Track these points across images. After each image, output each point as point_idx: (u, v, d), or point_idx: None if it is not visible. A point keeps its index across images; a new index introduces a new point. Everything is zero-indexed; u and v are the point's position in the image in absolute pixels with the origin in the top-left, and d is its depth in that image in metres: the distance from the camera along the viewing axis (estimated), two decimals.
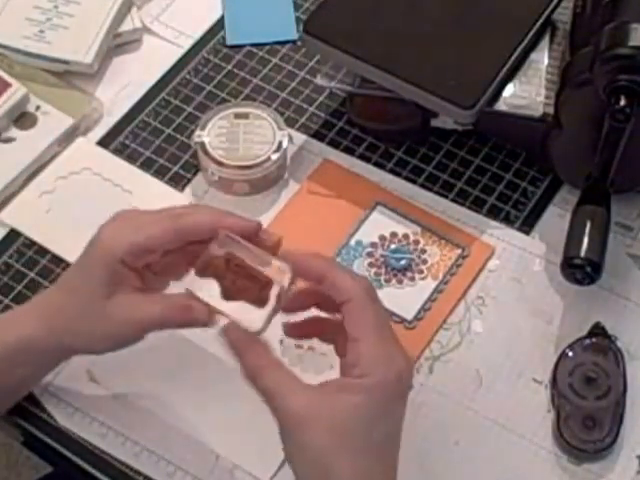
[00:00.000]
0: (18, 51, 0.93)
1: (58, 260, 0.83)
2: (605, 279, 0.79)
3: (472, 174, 0.89)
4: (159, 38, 0.98)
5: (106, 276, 0.67)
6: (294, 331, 0.68)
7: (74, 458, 0.75)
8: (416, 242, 0.85)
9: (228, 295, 0.65)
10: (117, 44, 0.96)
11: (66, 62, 0.93)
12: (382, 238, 0.85)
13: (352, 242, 0.85)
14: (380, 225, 0.85)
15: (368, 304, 0.62)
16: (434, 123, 0.89)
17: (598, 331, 0.79)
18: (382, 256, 0.84)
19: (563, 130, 0.83)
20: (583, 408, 0.75)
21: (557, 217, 0.87)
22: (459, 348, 0.80)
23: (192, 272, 0.66)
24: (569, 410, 0.75)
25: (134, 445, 0.75)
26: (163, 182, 0.88)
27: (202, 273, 0.66)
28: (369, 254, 0.84)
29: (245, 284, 0.65)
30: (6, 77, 0.90)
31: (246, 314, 0.64)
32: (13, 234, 0.85)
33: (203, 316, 0.65)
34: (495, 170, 0.89)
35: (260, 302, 0.65)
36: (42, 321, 0.69)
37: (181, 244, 0.67)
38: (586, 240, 0.78)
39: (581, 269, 0.77)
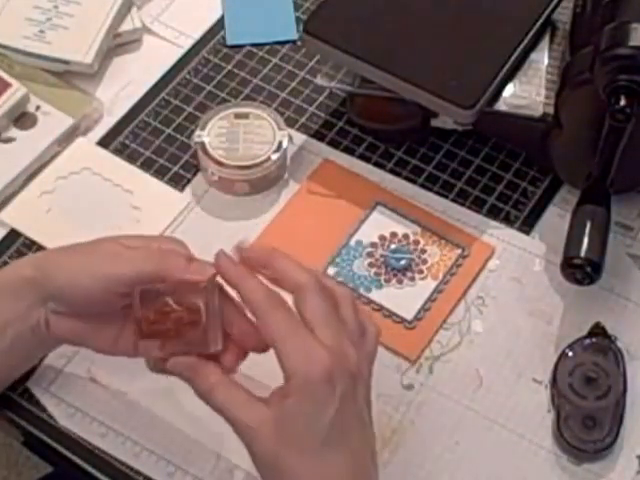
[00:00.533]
0: (18, 51, 0.93)
1: None
2: (605, 279, 0.79)
3: (472, 174, 0.89)
4: (159, 38, 0.98)
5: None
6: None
7: (74, 458, 0.75)
8: (416, 242, 0.85)
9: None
10: (117, 44, 0.96)
11: (66, 62, 0.93)
12: (382, 238, 0.85)
13: (352, 242, 0.85)
14: (380, 225, 0.85)
15: (268, 313, 0.63)
16: (434, 123, 0.89)
17: (598, 331, 0.79)
18: (382, 256, 0.84)
19: (563, 130, 0.83)
20: (583, 408, 0.75)
21: (557, 217, 0.87)
22: (459, 348, 0.80)
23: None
24: (569, 410, 0.75)
25: (134, 445, 0.75)
26: (163, 182, 0.88)
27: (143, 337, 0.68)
28: (369, 254, 0.84)
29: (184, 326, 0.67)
30: (6, 77, 0.90)
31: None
32: (13, 234, 0.85)
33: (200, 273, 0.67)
34: (495, 170, 0.89)
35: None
36: (30, 258, 0.75)
37: None
38: (586, 240, 0.78)
39: (581, 269, 0.77)
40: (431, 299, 0.82)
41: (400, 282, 0.83)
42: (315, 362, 0.62)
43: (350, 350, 0.64)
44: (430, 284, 0.82)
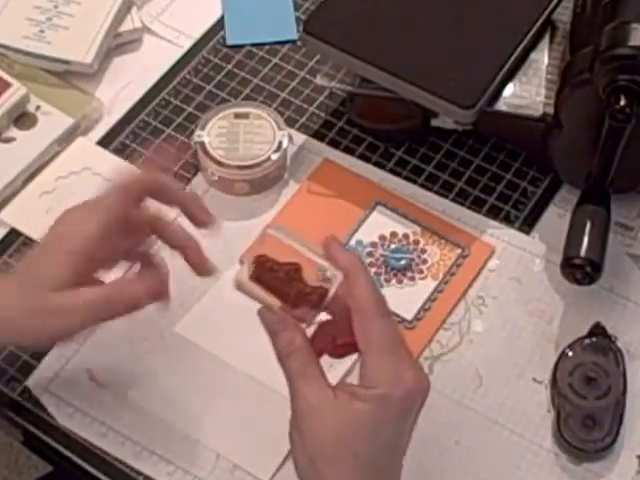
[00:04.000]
0: (18, 51, 0.93)
1: None
2: (605, 279, 0.79)
3: (472, 174, 0.89)
4: (159, 38, 0.98)
5: (71, 270, 0.66)
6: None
7: (74, 458, 0.75)
8: (416, 242, 0.85)
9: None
10: (117, 44, 0.96)
11: (66, 62, 0.93)
12: (382, 238, 0.85)
13: (352, 242, 0.85)
14: (380, 225, 0.85)
15: (375, 318, 0.63)
16: (434, 123, 0.89)
17: (598, 331, 0.79)
18: (382, 256, 0.84)
19: (563, 130, 0.83)
20: (583, 408, 0.75)
21: (557, 217, 0.87)
22: (459, 348, 0.80)
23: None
24: (569, 410, 0.75)
25: (134, 445, 0.75)
26: None
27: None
28: (369, 254, 0.84)
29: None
30: (6, 77, 0.90)
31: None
32: (13, 234, 0.85)
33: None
34: (495, 170, 0.89)
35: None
36: None
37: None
38: (586, 240, 0.78)
39: (581, 269, 0.77)
40: (431, 299, 0.82)
41: (400, 282, 0.83)
42: (402, 383, 0.61)
43: (425, 377, 0.64)
44: (430, 284, 0.82)
